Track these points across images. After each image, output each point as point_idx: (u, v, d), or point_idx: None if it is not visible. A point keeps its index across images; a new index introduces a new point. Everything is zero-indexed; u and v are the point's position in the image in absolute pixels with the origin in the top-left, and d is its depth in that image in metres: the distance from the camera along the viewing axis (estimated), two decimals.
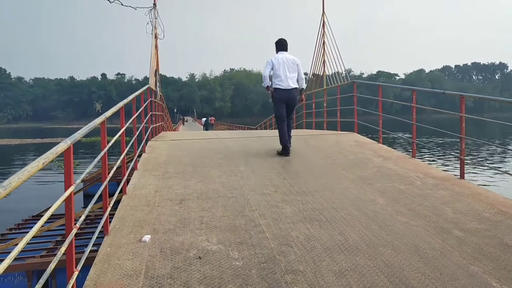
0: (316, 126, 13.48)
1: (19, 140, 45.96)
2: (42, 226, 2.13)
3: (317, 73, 17.23)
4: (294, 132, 8.64)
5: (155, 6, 12.32)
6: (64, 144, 2.62)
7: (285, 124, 7.29)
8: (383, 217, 4.30)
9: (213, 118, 54.08)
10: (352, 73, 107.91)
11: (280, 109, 7.27)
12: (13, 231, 7.68)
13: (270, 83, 7.25)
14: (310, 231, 3.87)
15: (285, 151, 7.24)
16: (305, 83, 7.62)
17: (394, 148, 8.50)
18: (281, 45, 7.34)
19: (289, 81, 7.12)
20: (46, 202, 10.02)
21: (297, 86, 7.28)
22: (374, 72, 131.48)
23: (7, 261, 1.72)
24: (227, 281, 2.93)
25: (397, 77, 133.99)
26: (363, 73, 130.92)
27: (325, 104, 12.82)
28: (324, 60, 15.46)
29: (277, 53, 7.35)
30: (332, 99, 13.38)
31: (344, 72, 15.77)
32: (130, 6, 12.07)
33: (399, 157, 7.39)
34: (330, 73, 16.40)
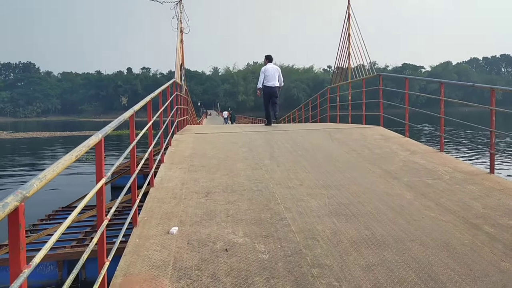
0: (341, 120, 13.36)
1: (49, 133, 47.00)
2: (74, 218, 2.17)
3: (342, 66, 17.02)
4: (317, 125, 11.86)
5: (181, 0, 12.38)
6: (95, 138, 2.67)
7: (270, 108, 11.06)
8: (410, 211, 4.24)
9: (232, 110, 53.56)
10: (376, 65, 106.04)
11: (267, 99, 11.07)
12: (44, 222, 7.88)
13: (262, 86, 10.99)
14: (336, 225, 3.84)
15: (268, 123, 11.21)
16: (283, 82, 11.36)
17: (421, 142, 8.34)
18: (269, 59, 11.15)
19: (274, 81, 10.95)
20: (75, 191, 10.25)
21: (278, 85, 11.04)
22: (399, 65, 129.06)
23: (43, 251, 1.76)
24: (254, 274, 2.94)
25: (423, 70, 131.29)
26: (387, 66, 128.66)
27: (350, 98, 12.68)
28: (349, 52, 15.26)
29: (265, 64, 11.14)
30: (356, 92, 13.23)
31: (369, 65, 15.54)
32: (157, 1, 12.16)
33: (426, 151, 7.26)
34: (355, 66, 16.19)
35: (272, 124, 11.20)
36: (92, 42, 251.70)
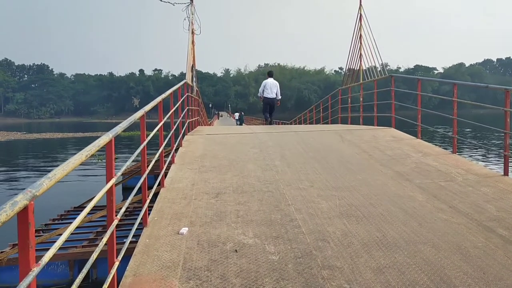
0: (352, 121, 13.29)
1: (61, 134, 47.47)
2: (84, 217, 2.18)
3: (353, 67, 16.90)
4: (328, 127, 12.00)
5: (192, 1, 12.41)
6: (106, 137, 2.67)
7: (268, 114, 13.60)
8: (422, 214, 4.19)
9: (242, 112, 53.87)
10: (388, 67, 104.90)
11: (266, 107, 13.60)
12: (56, 222, 7.95)
13: (262, 95, 13.38)
14: (347, 227, 3.81)
15: (267, 121, 13.79)
16: (280, 95, 13.66)
17: (433, 144, 8.25)
18: (269, 74, 13.72)
19: (272, 93, 13.24)
20: (88, 192, 10.33)
21: (276, 97, 13.34)
22: (411, 66, 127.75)
23: (52, 250, 1.77)
24: (264, 275, 2.92)
25: (436, 71, 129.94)
26: (399, 67, 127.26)
27: (361, 99, 12.60)
28: (360, 54, 15.15)
29: (267, 78, 13.51)
30: (368, 93, 13.14)
31: (380, 66, 15.41)
32: (168, 2, 12.22)
33: (439, 152, 7.18)
34: (366, 67, 16.07)
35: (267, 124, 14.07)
36: (104, 44, 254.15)
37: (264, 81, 13.51)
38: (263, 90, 13.28)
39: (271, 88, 13.23)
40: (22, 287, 1.48)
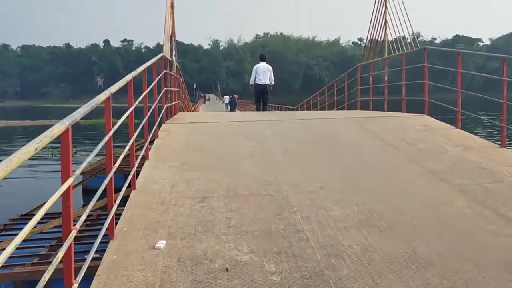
0: (374, 106, 13.29)
1: (5, 122, 47.35)
2: (34, 227, 2.17)
3: (376, 38, 16.92)
4: (344, 113, 12.37)
5: None
6: (60, 126, 2.66)
7: (260, 102, 15.28)
8: (462, 223, 4.21)
9: (237, 95, 54.53)
10: (421, 38, 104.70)
11: (258, 95, 15.19)
12: None
13: (254, 83, 14.79)
14: (367, 240, 3.82)
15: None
16: (273, 80, 15.09)
17: (477, 135, 8.28)
18: (262, 58, 15.22)
19: (265, 79, 14.58)
20: (40, 197, 10.32)
21: (268, 83, 14.72)
22: (450, 37, 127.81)
23: None
24: None
25: (481, 44, 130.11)
26: (435, 38, 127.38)
27: (386, 78, 12.60)
28: (386, 21, 15.15)
29: (259, 62, 14.93)
30: (394, 71, 13.17)
31: (411, 37, 15.42)
32: None
33: (483, 146, 7.21)
34: (392, 38, 16.08)
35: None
36: (59, 8, 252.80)
37: (255, 66, 15.02)
38: (255, 77, 14.68)
39: (263, 73, 14.64)
40: None
